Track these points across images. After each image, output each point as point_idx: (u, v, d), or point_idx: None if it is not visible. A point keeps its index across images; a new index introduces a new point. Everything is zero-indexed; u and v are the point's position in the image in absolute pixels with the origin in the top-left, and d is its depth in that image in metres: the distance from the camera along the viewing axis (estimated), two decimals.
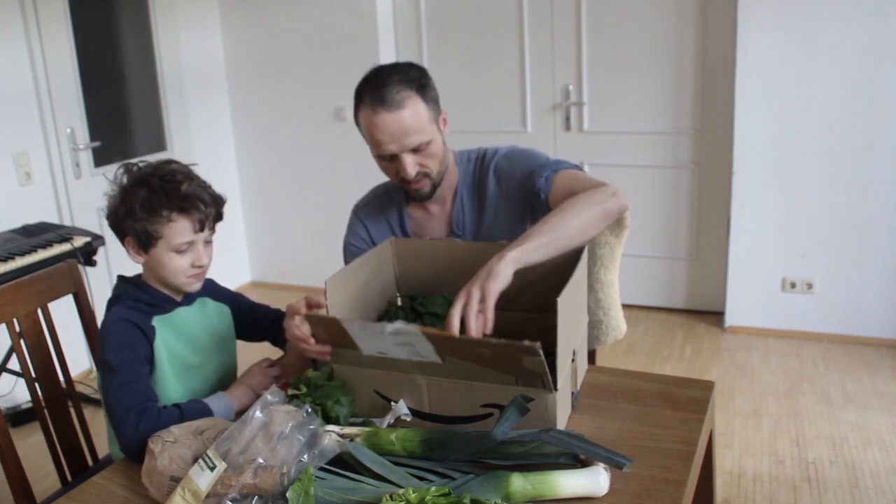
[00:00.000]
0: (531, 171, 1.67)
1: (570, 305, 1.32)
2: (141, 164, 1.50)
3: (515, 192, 1.71)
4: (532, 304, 1.48)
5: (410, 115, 1.57)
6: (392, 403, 1.36)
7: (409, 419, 1.34)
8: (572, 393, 1.40)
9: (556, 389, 1.24)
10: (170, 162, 1.51)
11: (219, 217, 1.53)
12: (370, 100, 1.58)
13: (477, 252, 1.55)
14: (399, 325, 1.23)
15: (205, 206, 1.47)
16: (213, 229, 1.52)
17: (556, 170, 1.65)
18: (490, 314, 1.28)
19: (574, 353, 1.38)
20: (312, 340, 1.38)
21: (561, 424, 1.30)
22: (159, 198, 1.44)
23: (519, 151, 1.76)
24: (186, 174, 1.49)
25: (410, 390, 1.34)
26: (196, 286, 1.55)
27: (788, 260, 3.46)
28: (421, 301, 1.59)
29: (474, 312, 1.27)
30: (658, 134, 3.69)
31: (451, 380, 1.30)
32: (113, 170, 1.52)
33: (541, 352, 1.16)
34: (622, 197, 1.55)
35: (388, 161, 1.64)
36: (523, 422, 1.21)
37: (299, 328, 1.40)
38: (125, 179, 1.48)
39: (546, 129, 3.90)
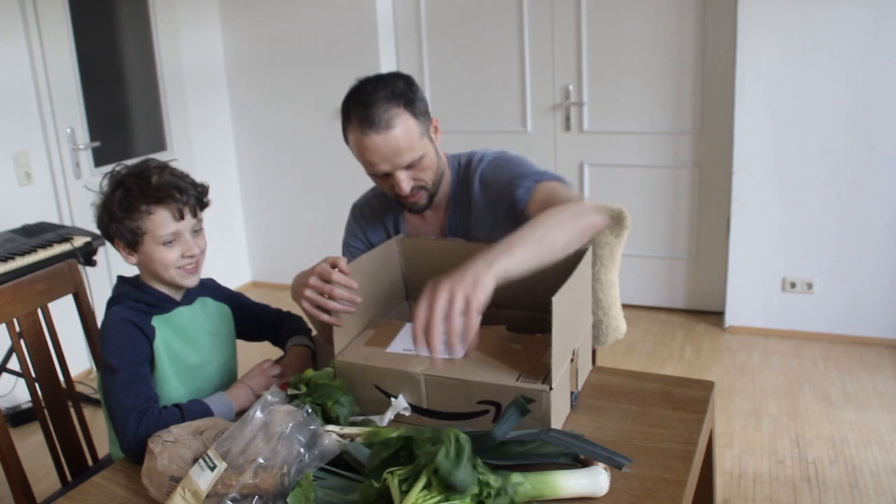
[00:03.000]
0: (513, 180, 1.61)
1: (568, 305, 1.31)
2: (121, 170, 1.51)
3: (497, 201, 1.65)
4: (536, 304, 1.47)
5: (401, 133, 1.52)
6: (392, 399, 1.36)
7: (408, 413, 1.35)
8: (572, 393, 1.40)
9: (551, 388, 1.24)
10: (146, 160, 1.52)
11: (202, 204, 1.53)
12: (358, 120, 1.53)
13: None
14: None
15: (180, 194, 1.48)
16: (197, 217, 1.52)
17: (538, 181, 1.59)
18: (474, 331, 1.16)
19: (574, 354, 1.38)
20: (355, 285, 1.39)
21: (556, 424, 1.30)
22: (134, 194, 1.46)
23: (506, 159, 1.70)
24: (161, 168, 1.50)
25: (409, 386, 1.35)
26: (191, 280, 1.53)
27: (788, 260, 3.46)
28: None
29: (457, 319, 1.15)
30: (658, 134, 3.69)
31: (449, 377, 1.30)
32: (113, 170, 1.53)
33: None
34: (604, 215, 1.48)
35: (382, 178, 1.60)
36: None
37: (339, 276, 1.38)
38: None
39: (546, 129, 3.90)
